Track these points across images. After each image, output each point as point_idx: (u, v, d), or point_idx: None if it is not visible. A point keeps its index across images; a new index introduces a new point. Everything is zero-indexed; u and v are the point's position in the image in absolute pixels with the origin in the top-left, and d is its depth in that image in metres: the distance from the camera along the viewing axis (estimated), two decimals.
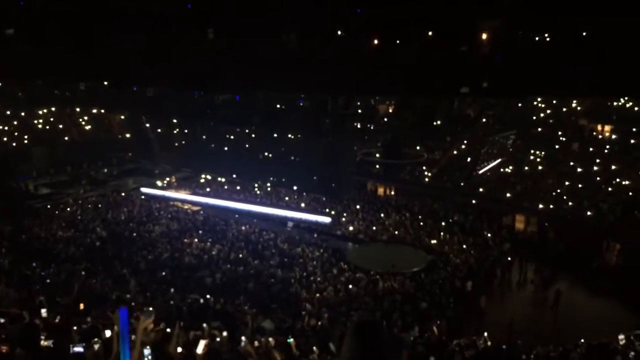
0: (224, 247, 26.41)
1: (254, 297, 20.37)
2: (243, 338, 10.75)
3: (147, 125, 45.01)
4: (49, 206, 34.23)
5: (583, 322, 20.01)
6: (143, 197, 37.15)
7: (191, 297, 18.55)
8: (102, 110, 46.35)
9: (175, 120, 45.25)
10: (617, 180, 31.69)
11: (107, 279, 20.62)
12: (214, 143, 43.50)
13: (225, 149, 42.81)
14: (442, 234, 29.44)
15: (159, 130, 45.58)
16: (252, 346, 9.74)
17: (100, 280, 20.19)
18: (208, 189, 38.77)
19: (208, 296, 18.78)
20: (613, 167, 33.31)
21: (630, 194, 30.00)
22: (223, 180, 40.83)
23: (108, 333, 7.68)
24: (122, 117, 47.42)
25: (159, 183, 40.00)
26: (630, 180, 31.42)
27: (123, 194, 37.56)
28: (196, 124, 44.92)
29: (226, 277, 22.63)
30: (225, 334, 11.06)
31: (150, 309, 8.62)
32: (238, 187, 38.91)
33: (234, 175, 40.55)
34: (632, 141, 35.57)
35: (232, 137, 43.44)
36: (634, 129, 36.53)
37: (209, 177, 41.32)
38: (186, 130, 45.15)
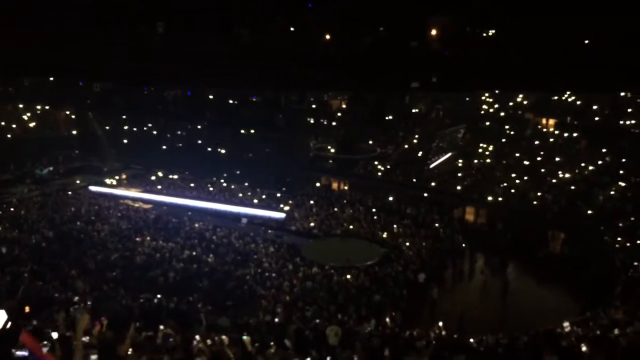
0: (177, 245, 26.01)
1: (208, 295, 20.18)
2: (197, 336, 10.63)
3: (95, 121, 43.81)
4: None
5: (530, 309, 20.70)
6: (91, 195, 36.13)
7: (143, 296, 18.19)
8: (47, 107, 44.82)
9: (124, 117, 44.22)
10: (561, 172, 32.81)
11: (54, 280, 19.98)
12: (166, 140, 42.73)
13: (179, 145, 42.18)
14: (395, 227, 29.86)
15: (107, 127, 44.45)
16: (206, 344, 9.65)
17: (47, 282, 19.54)
18: (160, 187, 38.05)
19: (161, 295, 18.45)
20: (557, 159, 34.48)
21: (573, 187, 31.10)
22: (175, 177, 40.20)
23: (55, 335, 7.44)
24: (68, 113, 46.02)
25: (108, 181, 39.00)
26: (572, 172, 32.61)
27: (70, 193, 36.41)
28: (146, 120, 44.00)
29: (179, 275, 22.30)
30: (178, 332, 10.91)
31: (77, 307, 8.36)
32: (191, 184, 38.37)
33: (187, 172, 40.00)
34: (575, 134, 36.92)
35: (184, 133, 42.79)
36: (576, 122, 37.93)
37: (160, 174, 40.56)
38: (136, 127, 44.17)
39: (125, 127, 44.04)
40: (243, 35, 27.33)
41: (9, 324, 6.76)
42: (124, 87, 41.42)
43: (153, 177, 40.25)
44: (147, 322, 12.32)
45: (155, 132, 43.57)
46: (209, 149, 40.78)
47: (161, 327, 11.27)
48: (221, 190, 37.16)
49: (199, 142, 41.60)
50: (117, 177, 39.94)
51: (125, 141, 43.75)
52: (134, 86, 40.58)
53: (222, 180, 38.63)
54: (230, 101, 42.18)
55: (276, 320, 17.22)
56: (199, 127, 42.10)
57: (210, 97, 42.15)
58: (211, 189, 37.64)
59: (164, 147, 42.05)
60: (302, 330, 14.29)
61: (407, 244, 27.55)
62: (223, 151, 40.50)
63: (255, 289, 21.24)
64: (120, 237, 27.06)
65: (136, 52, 30.11)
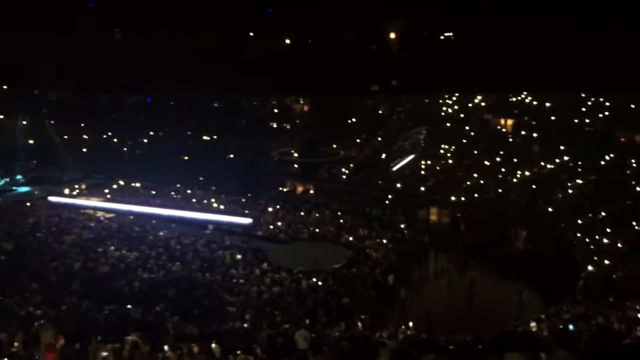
0: (142, 254, 25.52)
1: (175, 304, 19.84)
2: (165, 347, 10.48)
3: (52, 130, 42.70)
4: None
5: (496, 307, 21.15)
6: (51, 206, 35.13)
7: (108, 308, 17.76)
8: (1, 116, 43.47)
9: (82, 125, 43.26)
10: (520, 171, 33.59)
11: (14, 294, 19.33)
12: (126, 147, 41.97)
13: (140, 152, 41.49)
14: (361, 229, 30.02)
15: (66, 136, 43.36)
16: (175, 353, 9.53)
17: (7, 296, 18.89)
18: (122, 195, 37.28)
19: (127, 306, 18.07)
20: (516, 159, 35.29)
21: (534, 186, 31.83)
22: (138, 185, 39.45)
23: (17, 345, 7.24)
24: (24, 122, 44.71)
25: (67, 191, 38.00)
26: (531, 170, 33.43)
27: (28, 204, 35.31)
28: (106, 127, 43.14)
29: (145, 285, 21.88)
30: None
31: (42, 322, 8.16)
32: (153, 192, 37.73)
33: (149, 180, 39.31)
34: (535, 134, 37.80)
35: (145, 140, 42.10)
36: (534, 122, 38.91)
37: (122, 182, 39.75)
38: (95, 135, 43.23)
39: (85, 136, 43.08)
40: (206, 40, 27.07)
41: None
42: (81, 95, 40.51)
43: (114, 186, 39.41)
44: (113, 334, 12.08)
45: (115, 140, 42.74)
46: (172, 156, 40.23)
47: (128, 338, 11.07)
48: (185, 198, 36.68)
49: (161, 149, 41.01)
50: (77, 187, 38.97)
51: (84, 150, 42.77)
52: (91, 94, 39.74)
53: (185, 187, 38.14)
54: (192, 107, 41.76)
55: (245, 326, 17.08)
56: (160, 133, 41.52)
57: (171, 103, 41.65)
58: (175, 196, 37.12)
59: (125, 154, 41.31)
60: (273, 336, 14.22)
61: (375, 245, 27.71)
62: (186, 158, 40.01)
63: (223, 296, 21.01)
64: (83, 247, 26.35)
65: (91, 59, 29.43)
